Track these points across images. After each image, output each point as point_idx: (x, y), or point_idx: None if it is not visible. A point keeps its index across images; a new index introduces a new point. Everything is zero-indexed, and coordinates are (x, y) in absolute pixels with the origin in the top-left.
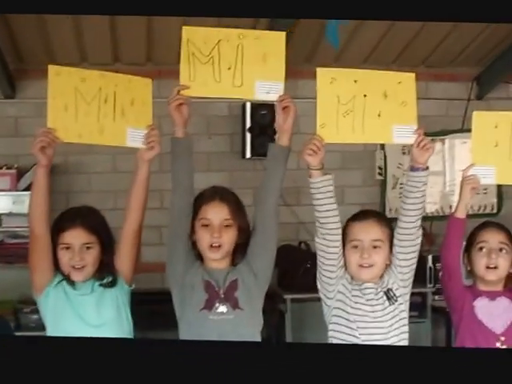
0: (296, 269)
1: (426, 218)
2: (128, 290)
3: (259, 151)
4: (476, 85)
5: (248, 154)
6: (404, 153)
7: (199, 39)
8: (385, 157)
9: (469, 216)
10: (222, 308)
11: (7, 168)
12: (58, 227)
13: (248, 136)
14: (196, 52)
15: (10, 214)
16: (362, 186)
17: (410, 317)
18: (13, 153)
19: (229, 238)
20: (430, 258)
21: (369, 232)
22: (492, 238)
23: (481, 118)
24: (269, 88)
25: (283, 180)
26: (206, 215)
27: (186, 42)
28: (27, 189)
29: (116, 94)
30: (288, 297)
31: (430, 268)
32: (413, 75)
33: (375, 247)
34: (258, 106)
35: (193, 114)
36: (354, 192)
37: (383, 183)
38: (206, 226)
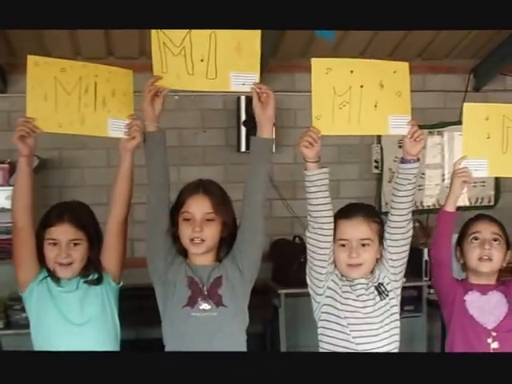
0: (290, 263)
1: (422, 211)
2: (116, 287)
3: None
4: (473, 77)
5: (243, 148)
6: (400, 146)
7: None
8: (381, 150)
9: (466, 208)
10: (205, 305)
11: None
12: (45, 222)
13: (243, 129)
14: (167, 42)
15: (1, 210)
16: (358, 180)
17: (406, 311)
18: (5, 148)
19: (211, 233)
20: (425, 251)
21: (357, 231)
22: (485, 229)
23: (472, 110)
24: (244, 79)
25: (268, 173)
26: (188, 208)
27: (156, 32)
28: None
29: (97, 85)
30: (282, 291)
31: (426, 261)
32: (407, 64)
33: (364, 245)
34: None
35: (187, 108)
36: (350, 185)
37: (379, 177)
38: (188, 219)
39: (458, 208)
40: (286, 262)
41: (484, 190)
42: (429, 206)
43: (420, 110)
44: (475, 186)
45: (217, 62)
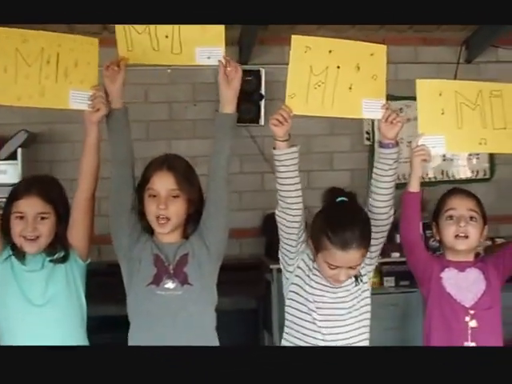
0: None
1: (423, 184)
2: (83, 265)
3: (244, 118)
4: (465, 49)
5: None
6: None
7: None
8: (372, 122)
9: (463, 181)
10: (170, 283)
11: None
12: (13, 196)
13: None
14: None
15: None
16: (351, 152)
17: (401, 286)
18: None
19: (177, 210)
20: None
21: (349, 261)
22: (460, 205)
23: (424, 86)
24: (209, 53)
25: (233, 148)
26: (152, 185)
27: None
28: (9, 158)
29: (59, 55)
30: (274, 266)
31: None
32: (384, 47)
33: (352, 267)
34: (243, 73)
35: (178, 81)
36: (342, 157)
37: (371, 148)
38: (154, 196)
39: (458, 181)
40: (279, 236)
41: (479, 163)
42: (424, 179)
43: (412, 81)
44: (470, 159)
45: (181, 37)
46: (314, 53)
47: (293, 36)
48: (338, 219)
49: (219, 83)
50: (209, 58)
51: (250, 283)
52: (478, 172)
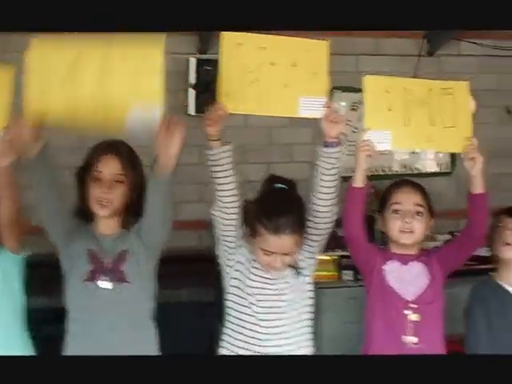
0: None
1: (377, 177)
2: (17, 258)
3: (203, 108)
4: (427, 42)
5: (192, 111)
6: (353, 109)
7: None
8: None
9: (425, 175)
10: (107, 281)
11: None
12: None
13: (192, 92)
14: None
15: None
16: (312, 144)
17: (360, 279)
18: None
19: (119, 195)
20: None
21: (283, 247)
22: (406, 200)
23: (371, 82)
24: (141, 116)
25: (169, 207)
26: (98, 169)
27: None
28: None
29: None
30: None
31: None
32: (326, 43)
33: (287, 254)
34: (203, 62)
35: None
36: (303, 150)
37: None
38: (97, 180)
39: (422, 174)
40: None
41: (444, 157)
42: (385, 172)
43: (374, 74)
44: (437, 153)
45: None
46: (245, 49)
47: (222, 33)
48: (272, 205)
49: (157, 145)
50: (141, 121)
51: (208, 275)
52: (440, 166)
